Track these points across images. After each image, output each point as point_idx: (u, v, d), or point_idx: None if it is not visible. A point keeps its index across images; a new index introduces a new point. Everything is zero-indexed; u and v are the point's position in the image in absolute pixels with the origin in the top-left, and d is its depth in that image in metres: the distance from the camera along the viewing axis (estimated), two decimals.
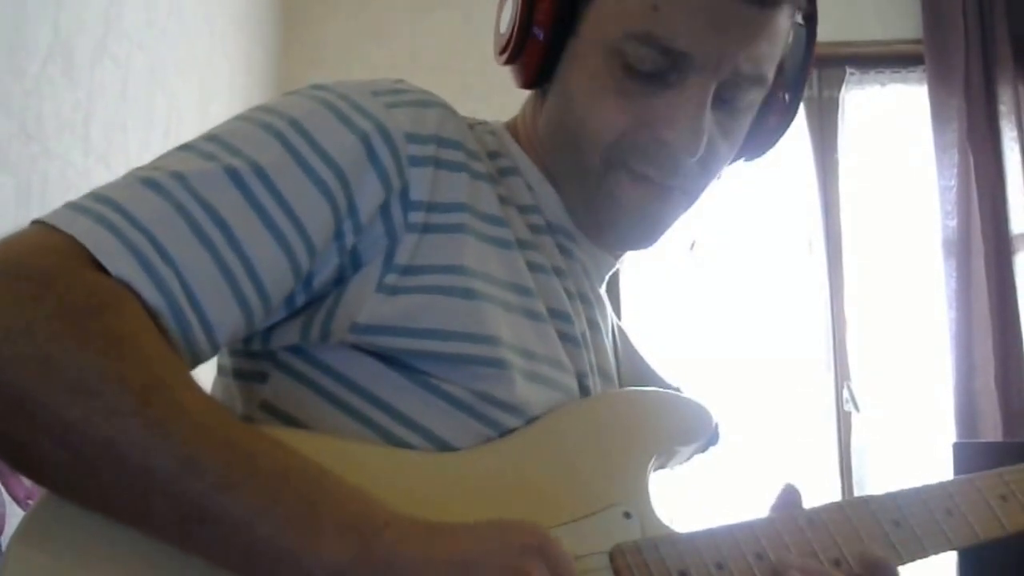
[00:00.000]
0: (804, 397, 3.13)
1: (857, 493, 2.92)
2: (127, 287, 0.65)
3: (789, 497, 0.82)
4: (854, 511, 0.81)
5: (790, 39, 0.85)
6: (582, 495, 0.78)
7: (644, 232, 0.87)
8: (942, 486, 0.85)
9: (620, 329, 0.99)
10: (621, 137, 0.82)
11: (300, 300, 0.76)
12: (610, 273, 0.95)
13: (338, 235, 0.75)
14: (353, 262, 0.77)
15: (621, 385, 0.92)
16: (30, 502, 1.23)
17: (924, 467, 2.94)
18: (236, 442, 0.64)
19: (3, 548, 0.68)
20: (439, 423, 0.76)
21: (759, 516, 0.80)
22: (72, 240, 0.65)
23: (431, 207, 0.78)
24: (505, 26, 0.87)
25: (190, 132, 0.77)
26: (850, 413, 3.09)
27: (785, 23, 0.82)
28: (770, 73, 0.83)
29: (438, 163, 0.79)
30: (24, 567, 0.63)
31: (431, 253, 0.77)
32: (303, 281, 0.75)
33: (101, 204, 0.68)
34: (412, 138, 0.77)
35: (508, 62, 0.87)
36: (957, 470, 2.00)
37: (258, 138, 0.74)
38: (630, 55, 0.79)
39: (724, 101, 0.82)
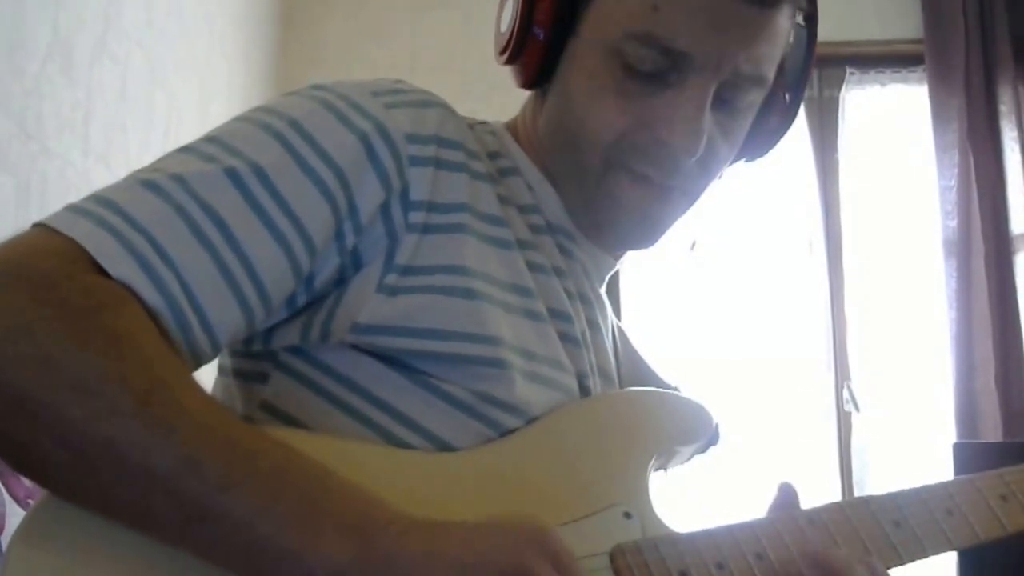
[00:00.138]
0: (804, 397, 3.13)
1: (857, 493, 2.92)
2: (127, 288, 0.65)
3: (787, 496, 0.82)
4: (854, 511, 0.81)
5: (791, 39, 0.85)
6: (582, 495, 0.78)
7: (644, 232, 0.87)
8: (942, 486, 0.85)
9: (620, 329, 0.99)
10: (621, 137, 0.82)
11: (301, 300, 0.76)
12: (610, 273, 0.95)
13: (338, 235, 0.75)
14: (354, 262, 0.77)
15: (621, 385, 0.92)
16: (30, 502, 1.23)
17: (924, 467, 2.94)
18: (237, 441, 0.64)
19: (4, 548, 0.67)
20: (439, 423, 0.76)
21: (759, 516, 0.80)
22: (73, 243, 0.65)
23: (431, 207, 0.78)
24: (505, 26, 0.87)
25: (190, 132, 0.77)
26: (850, 413, 3.09)
27: (785, 23, 0.82)
28: (770, 73, 0.83)
29: (438, 163, 0.79)
30: (25, 567, 0.63)
31: (431, 253, 0.77)
32: (304, 281, 0.75)
33: (101, 206, 0.68)
34: (412, 138, 0.77)
35: (508, 62, 0.87)
36: (957, 470, 2.00)
37: (258, 139, 0.74)
38: (630, 55, 0.79)
39: (724, 101, 0.82)
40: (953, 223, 3.08)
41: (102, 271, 0.65)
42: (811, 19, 0.88)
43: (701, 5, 0.78)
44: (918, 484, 0.85)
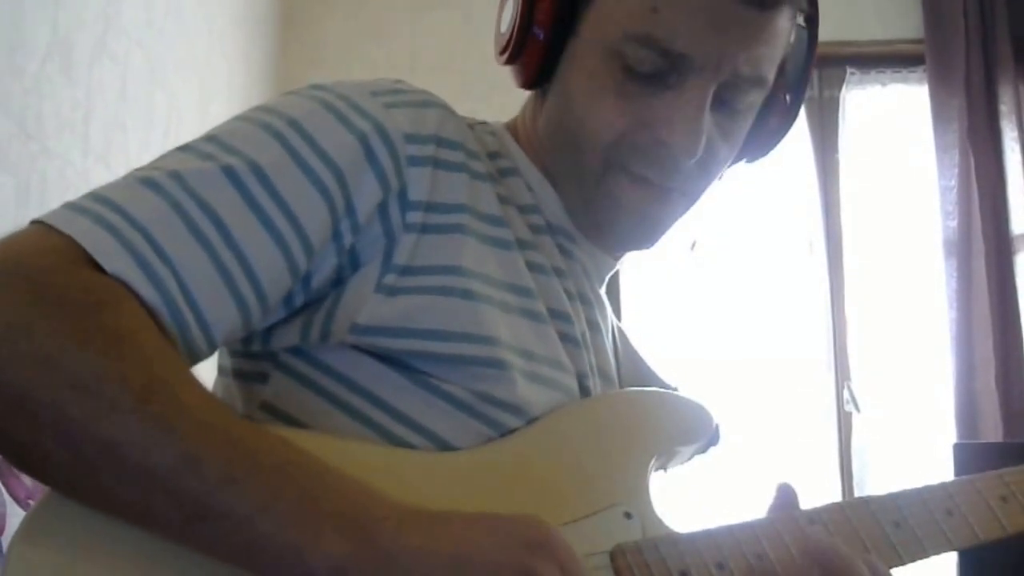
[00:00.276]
0: (804, 397, 3.13)
1: (857, 494, 2.92)
2: (124, 285, 0.65)
3: (786, 497, 0.82)
4: (854, 512, 0.81)
5: (791, 40, 0.85)
6: (583, 495, 0.78)
7: (643, 233, 0.87)
8: (942, 487, 0.85)
9: (620, 330, 0.99)
10: (620, 139, 0.82)
11: (299, 300, 0.76)
12: (610, 274, 0.95)
13: (336, 235, 0.75)
14: (352, 262, 0.76)
15: (621, 386, 0.92)
16: (31, 502, 1.23)
17: (924, 468, 2.94)
18: (237, 439, 0.64)
19: (4, 548, 0.68)
20: (440, 423, 0.76)
21: (759, 516, 0.80)
22: (70, 240, 0.65)
23: (430, 207, 0.78)
24: (505, 26, 0.87)
25: (189, 131, 0.77)
26: (850, 413, 3.09)
27: (785, 24, 0.82)
28: (770, 75, 0.83)
29: (437, 163, 0.79)
30: (26, 567, 0.63)
31: (429, 254, 0.77)
32: (301, 281, 0.75)
33: (99, 204, 0.68)
34: (411, 138, 0.77)
35: (508, 62, 0.87)
36: (957, 471, 2.00)
37: (257, 138, 0.74)
38: (630, 56, 0.79)
39: (724, 103, 0.82)
40: (953, 223, 3.08)
41: (100, 268, 0.65)
42: (811, 20, 0.88)
43: (700, 6, 0.78)
44: (918, 484, 0.85)
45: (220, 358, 0.83)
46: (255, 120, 0.76)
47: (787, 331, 3.17)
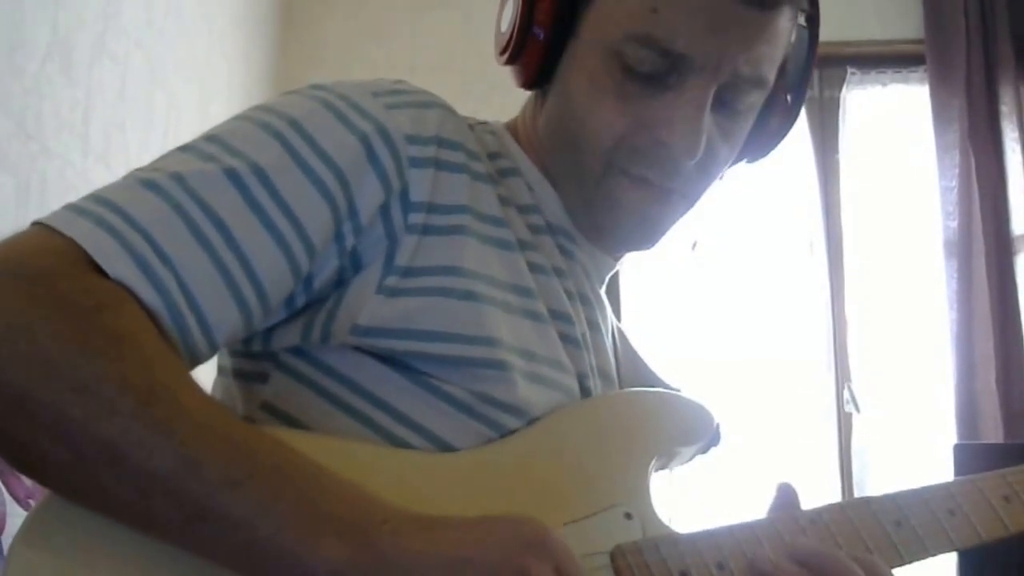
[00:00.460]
0: (805, 398, 3.13)
1: (857, 494, 2.92)
2: (125, 288, 0.65)
3: (786, 497, 0.82)
4: (855, 512, 0.81)
5: (792, 40, 0.85)
6: (583, 495, 0.78)
7: (643, 235, 0.87)
8: (944, 486, 0.84)
9: (620, 330, 0.99)
10: (620, 140, 0.82)
11: (300, 301, 0.76)
12: (610, 274, 0.95)
13: (338, 236, 0.75)
14: (353, 263, 0.76)
15: (621, 386, 0.92)
16: (31, 502, 1.23)
17: (925, 468, 2.94)
18: (237, 442, 0.64)
19: (4, 548, 0.67)
20: (440, 424, 0.76)
21: (760, 516, 0.80)
22: (71, 242, 0.65)
23: (431, 208, 0.78)
24: (506, 26, 0.87)
25: (189, 131, 0.77)
26: (851, 414, 3.08)
27: (786, 25, 0.82)
28: (770, 75, 0.83)
29: (438, 164, 0.78)
30: (26, 568, 0.63)
31: (431, 255, 0.77)
32: (303, 282, 0.75)
33: (100, 206, 0.68)
34: (412, 139, 0.77)
35: (509, 62, 0.87)
36: (958, 471, 2.00)
37: (257, 138, 0.74)
38: (629, 57, 0.79)
39: (724, 103, 0.82)
40: (954, 224, 3.07)
41: (101, 271, 0.65)
42: (812, 20, 0.88)
43: (700, 6, 0.78)
44: (919, 485, 0.84)
45: (220, 358, 0.83)
46: (256, 120, 0.76)
47: (787, 331, 3.17)
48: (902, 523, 0.81)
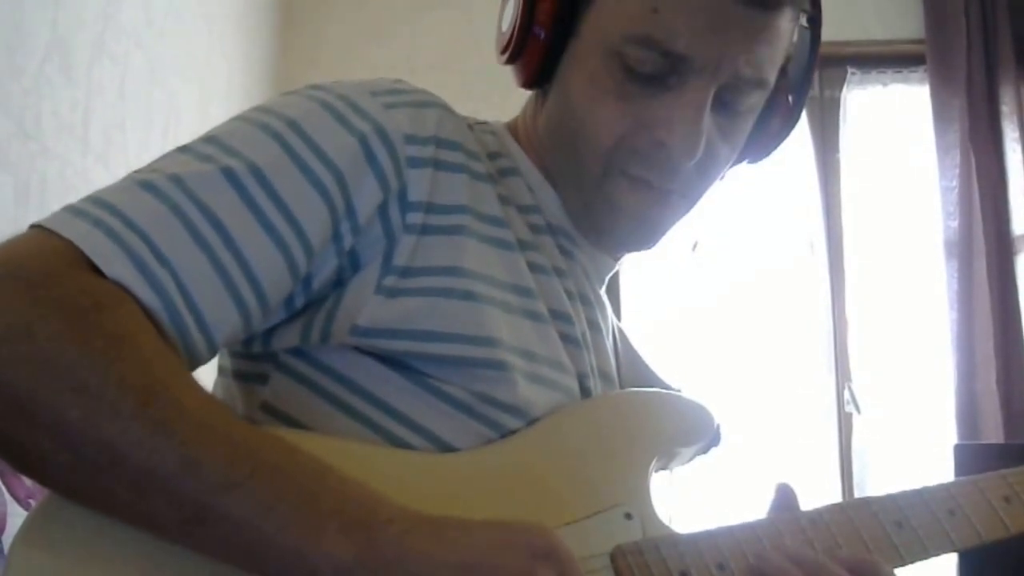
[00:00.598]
0: (805, 398, 3.13)
1: (858, 495, 2.92)
2: (123, 289, 0.65)
3: (785, 497, 0.82)
4: (856, 512, 0.81)
5: (794, 40, 0.85)
6: (584, 496, 0.77)
7: (643, 236, 0.87)
8: (944, 487, 0.84)
9: (620, 330, 0.99)
10: (620, 141, 0.82)
11: (299, 302, 0.76)
12: (610, 274, 0.95)
13: (336, 236, 0.75)
14: (352, 263, 0.76)
15: (621, 386, 0.91)
16: (31, 502, 1.23)
17: (925, 469, 2.93)
18: (237, 441, 0.63)
19: (5, 548, 0.67)
20: (440, 424, 0.76)
21: (760, 516, 0.80)
22: (69, 244, 0.65)
23: (430, 208, 0.77)
24: (506, 25, 0.87)
25: (189, 131, 0.77)
26: (851, 414, 3.08)
27: (787, 26, 0.82)
28: (771, 76, 0.83)
29: (437, 164, 0.78)
30: (26, 568, 0.63)
31: (430, 255, 0.77)
32: (301, 282, 0.75)
33: (98, 207, 0.68)
34: (411, 139, 0.77)
35: (509, 61, 0.87)
36: (958, 472, 2.00)
37: (255, 139, 0.74)
38: (630, 57, 0.79)
39: (724, 104, 0.82)
40: (954, 224, 3.07)
41: (99, 272, 0.65)
42: (814, 20, 0.88)
43: (701, 7, 0.78)
44: (919, 485, 0.84)
45: (220, 359, 0.83)
46: (254, 121, 0.76)
47: (788, 331, 3.17)
48: (902, 523, 0.81)
